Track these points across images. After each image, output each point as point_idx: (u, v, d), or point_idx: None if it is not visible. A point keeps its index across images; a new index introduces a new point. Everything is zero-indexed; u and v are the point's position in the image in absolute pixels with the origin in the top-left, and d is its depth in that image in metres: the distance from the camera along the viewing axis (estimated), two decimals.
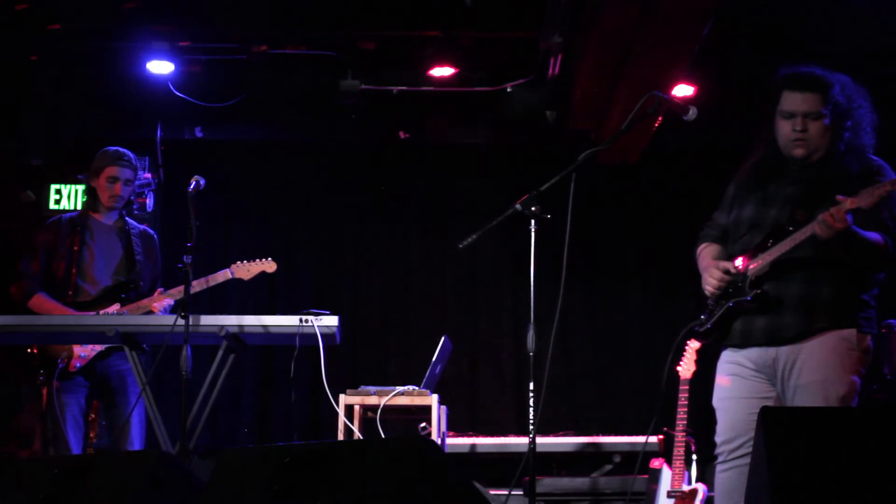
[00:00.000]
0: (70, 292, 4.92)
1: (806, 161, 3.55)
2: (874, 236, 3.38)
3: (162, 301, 4.87)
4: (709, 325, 3.62)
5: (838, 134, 3.51)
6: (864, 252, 3.39)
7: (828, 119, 3.50)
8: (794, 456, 2.54)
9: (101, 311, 4.86)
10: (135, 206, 5.21)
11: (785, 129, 3.55)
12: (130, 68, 6.39)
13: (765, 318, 3.49)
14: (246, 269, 5.07)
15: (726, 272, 3.56)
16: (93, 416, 5.16)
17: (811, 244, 3.38)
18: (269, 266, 5.12)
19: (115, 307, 4.89)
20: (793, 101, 3.52)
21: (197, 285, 4.91)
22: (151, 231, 5.24)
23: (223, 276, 5.01)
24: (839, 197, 3.28)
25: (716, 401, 3.64)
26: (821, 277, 3.44)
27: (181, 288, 4.84)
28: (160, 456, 3.16)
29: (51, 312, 4.78)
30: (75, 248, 4.98)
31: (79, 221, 5.05)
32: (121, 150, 5.13)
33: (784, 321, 3.46)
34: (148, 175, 6.64)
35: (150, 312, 4.81)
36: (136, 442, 4.86)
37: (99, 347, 4.79)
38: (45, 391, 6.24)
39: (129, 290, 4.95)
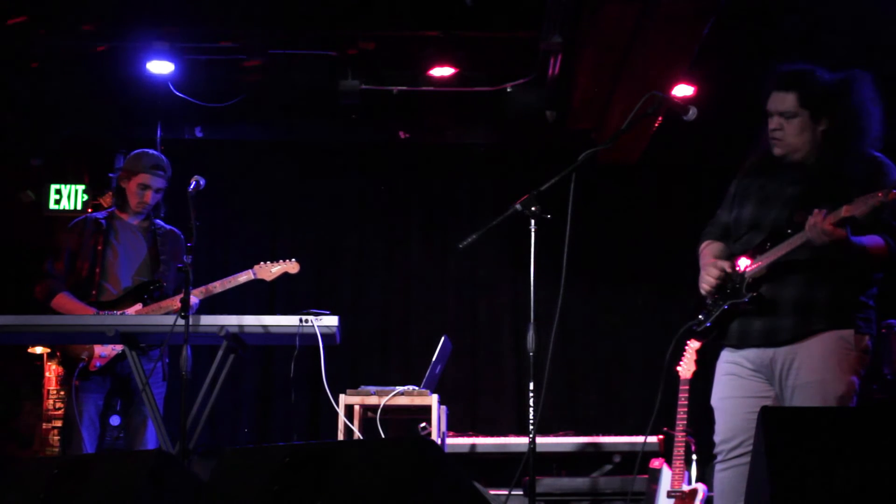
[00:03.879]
0: (94, 292, 4.91)
1: (787, 159, 3.56)
2: (870, 241, 3.37)
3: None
4: (706, 325, 3.62)
5: (830, 132, 3.50)
6: (859, 259, 3.38)
7: (806, 118, 3.49)
8: (793, 456, 2.54)
9: (123, 312, 4.86)
10: (162, 211, 5.17)
11: (768, 128, 3.58)
12: (130, 68, 6.39)
13: (761, 319, 3.49)
14: (268, 270, 5.04)
15: (723, 271, 3.56)
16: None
17: (809, 247, 3.37)
18: (292, 267, 5.09)
19: (138, 307, 4.89)
20: (773, 100, 3.55)
21: (220, 285, 4.91)
22: (178, 231, 5.20)
23: (245, 276, 4.99)
24: (816, 212, 3.27)
25: (714, 400, 3.64)
26: (817, 280, 3.43)
27: (204, 288, 4.84)
28: (160, 456, 3.16)
29: (72, 312, 4.77)
30: (99, 248, 4.97)
31: (105, 222, 5.05)
32: (157, 157, 5.08)
33: (780, 323, 3.45)
34: None
35: (172, 313, 4.79)
36: (150, 442, 4.86)
37: (119, 348, 4.78)
38: (52, 390, 6.27)
39: (152, 291, 4.94)
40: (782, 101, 3.52)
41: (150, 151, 5.13)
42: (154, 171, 5.01)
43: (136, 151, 5.13)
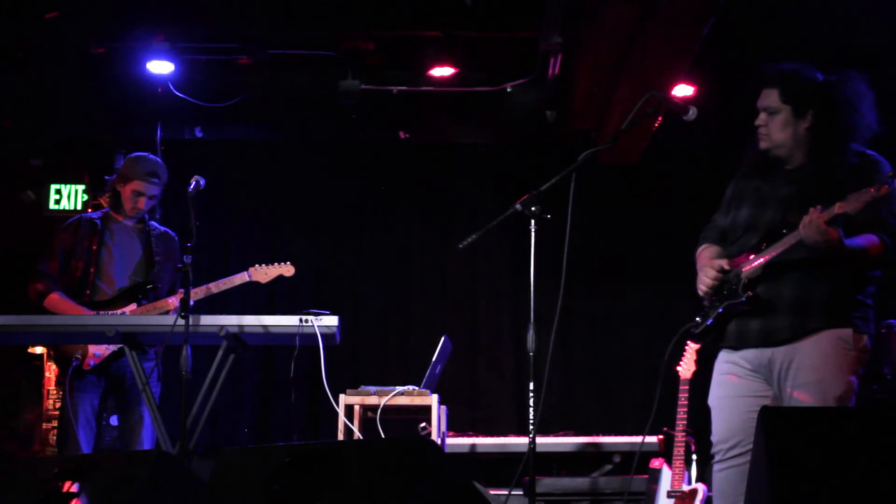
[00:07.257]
0: (88, 292, 4.91)
1: (773, 155, 3.58)
2: (866, 241, 3.37)
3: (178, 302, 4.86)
4: (704, 327, 3.62)
5: (815, 129, 3.50)
6: (855, 260, 3.38)
7: (788, 113, 3.51)
8: (794, 456, 2.54)
9: (118, 312, 4.85)
10: (157, 213, 5.18)
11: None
12: (130, 68, 6.39)
13: (758, 320, 3.48)
14: (263, 273, 5.06)
15: (720, 271, 3.56)
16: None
17: (803, 246, 3.37)
18: (286, 270, 5.12)
19: (132, 307, 4.88)
20: (760, 96, 3.60)
21: (214, 287, 4.92)
22: (172, 233, 5.20)
23: (240, 278, 5.01)
24: (812, 209, 3.28)
25: (711, 400, 3.63)
26: (814, 279, 3.42)
27: (198, 289, 4.84)
28: (160, 456, 3.16)
29: (65, 312, 4.76)
30: (94, 247, 4.96)
31: (99, 221, 5.05)
32: (154, 163, 5.07)
33: (777, 323, 3.45)
34: None
35: (167, 313, 4.80)
36: (146, 442, 4.86)
37: (113, 347, 4.78)
38: (52, 390, 6.27)
39: (146, 291, 4.94)
40: (767, 96, 3.57)
41: (148, 157, 5.11)
42: (149, 179, 5.00)
43: (132, 155, 5.11)
